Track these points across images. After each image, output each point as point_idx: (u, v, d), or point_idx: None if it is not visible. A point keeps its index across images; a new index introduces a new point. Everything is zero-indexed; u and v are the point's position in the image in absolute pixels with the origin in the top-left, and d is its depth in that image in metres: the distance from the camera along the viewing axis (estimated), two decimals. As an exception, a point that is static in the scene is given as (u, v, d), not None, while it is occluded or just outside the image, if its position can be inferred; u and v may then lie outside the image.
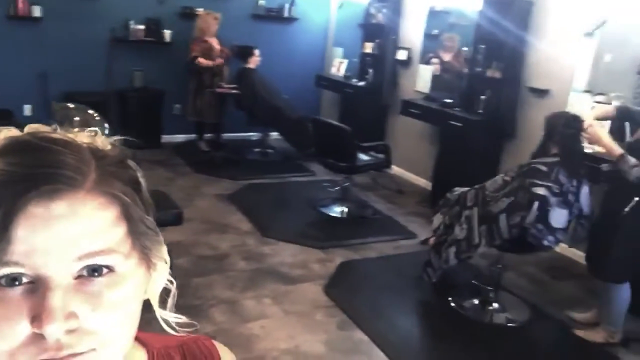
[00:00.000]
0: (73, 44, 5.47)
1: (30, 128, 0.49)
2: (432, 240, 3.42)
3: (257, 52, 5.75)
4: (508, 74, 4.40)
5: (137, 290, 0.49)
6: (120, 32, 5.69)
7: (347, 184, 4.61)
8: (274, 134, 6.16)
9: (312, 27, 6.76)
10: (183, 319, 0.58)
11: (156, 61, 5.93)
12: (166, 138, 5.92)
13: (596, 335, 2.97)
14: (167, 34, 5.86)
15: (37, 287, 0.43)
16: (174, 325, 0.58)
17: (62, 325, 0.42)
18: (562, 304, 3.34)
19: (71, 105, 2.60)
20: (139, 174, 0.51)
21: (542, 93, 4.27)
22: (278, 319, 2.96)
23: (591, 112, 3.21)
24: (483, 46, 4.59)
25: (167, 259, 0.54)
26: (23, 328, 0.43)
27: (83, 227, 0.44)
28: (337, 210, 4.56)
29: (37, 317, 0.42)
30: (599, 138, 2.82)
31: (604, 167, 3.03)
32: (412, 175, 5.58)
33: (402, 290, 3.41)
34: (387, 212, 4.68)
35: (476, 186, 3.16)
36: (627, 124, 3.10)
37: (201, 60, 5.56)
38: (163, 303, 0.57)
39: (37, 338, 0.43)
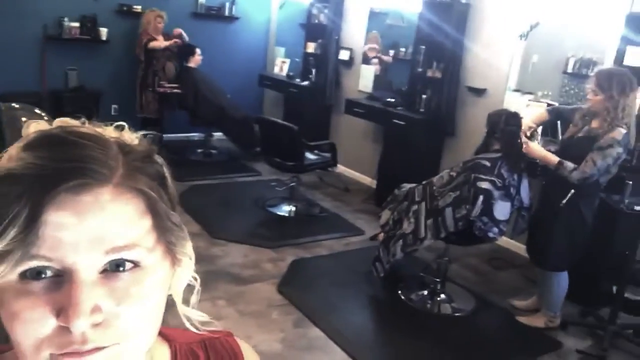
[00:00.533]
0: (3, 42, 5.17)
1: (59, 121, 0.49)
2: (381, 236, 3.50)
3: (198, 51, 5.67)
4: (447, 74, 4.55)
5: (161, 285, 0.49)
6: (54, 29, 5.45)
7: (294, 183, 4.63)
8: (218, 134, 6.08)
9: (254, 26, 6.72)
10: (205, 317, 0.58)
11: (92, 60, 5.71)
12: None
13: (537, 321, 3.15)
14: (104, 31, 5.66)
15: (63, 281, 0.43)
16: (196, 322, 0.58)
17: (88, 319, 0.42)
18: (505, 293, 3.52)
19: (17, 106, 2.48)
20: (165, 169, 0.51)
21: (479, 92, 4.46)
22: (233, 320, 2.94)
23: (527, 109, 3.39)
24: (423, 47, 4.72)
25: (192, 255, 0.53)
26: (49, 321, 0.43)
27: (110, 222, 0.44)
28: (285, 210, 4.57)
29: (63, 310, 0.42)
30: (534, 154, 2.96)
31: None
32: (357, 174, 5.68)
33: (353, 286, 3.47)
34: (335, 210, 4.74)
35: (424, 182, 3.26)
36: (558, 123, 3.31)
37: (154, 43, 5.49)
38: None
39: (63, 331, 0.43)
